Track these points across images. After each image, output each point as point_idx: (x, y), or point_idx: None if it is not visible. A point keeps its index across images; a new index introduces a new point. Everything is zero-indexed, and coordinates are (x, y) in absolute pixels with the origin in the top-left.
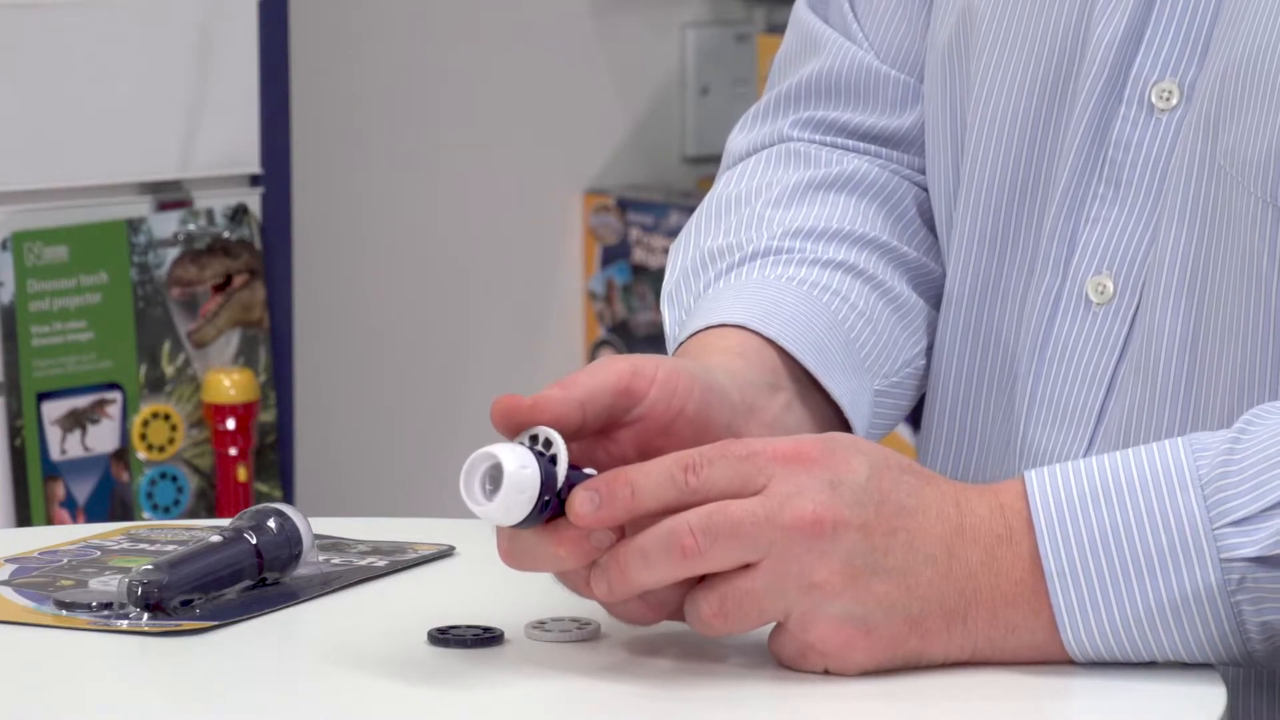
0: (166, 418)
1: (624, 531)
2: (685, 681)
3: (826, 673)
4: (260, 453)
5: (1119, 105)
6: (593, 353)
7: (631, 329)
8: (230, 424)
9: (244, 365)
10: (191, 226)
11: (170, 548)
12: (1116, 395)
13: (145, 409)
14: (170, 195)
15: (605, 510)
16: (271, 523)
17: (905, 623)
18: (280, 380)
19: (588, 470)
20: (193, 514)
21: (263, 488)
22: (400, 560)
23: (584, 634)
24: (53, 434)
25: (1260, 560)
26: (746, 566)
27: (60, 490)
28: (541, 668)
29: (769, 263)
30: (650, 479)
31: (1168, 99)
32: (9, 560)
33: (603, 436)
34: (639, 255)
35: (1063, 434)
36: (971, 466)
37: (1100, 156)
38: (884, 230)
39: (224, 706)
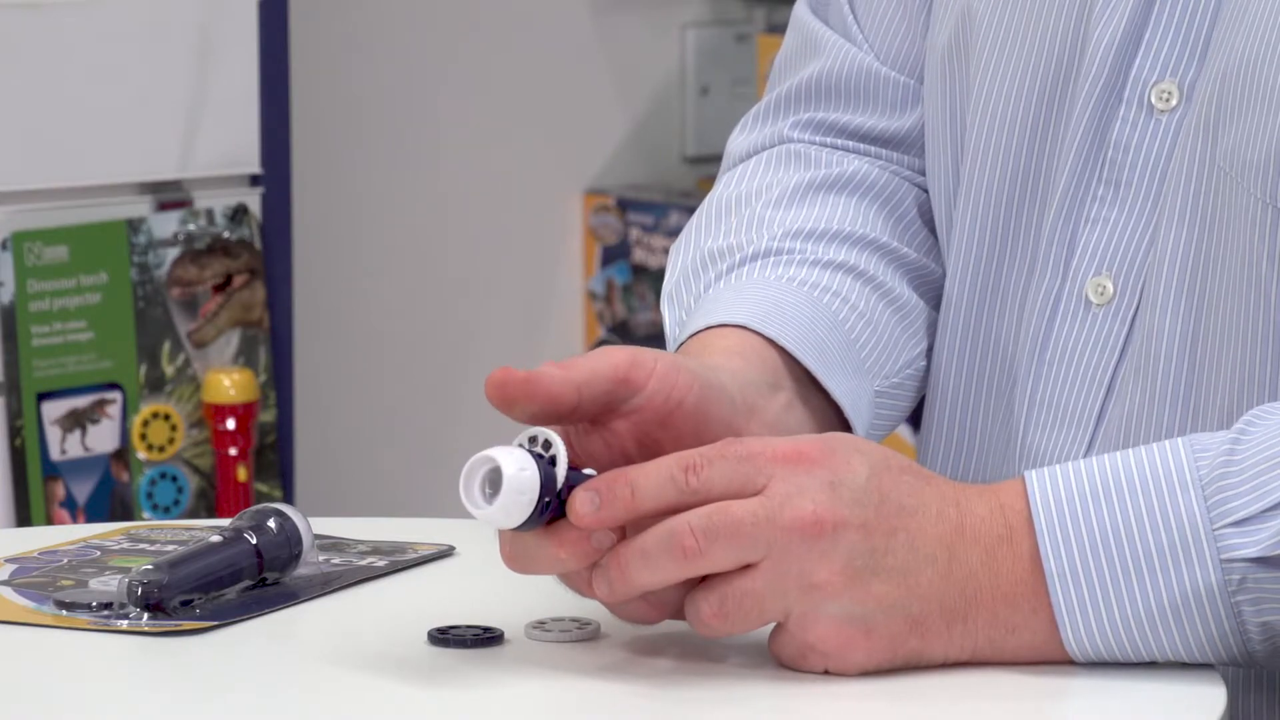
0: (166, 418)
1: (624, 532)
2: (685, 681)
3: (826, 673)
4: (260, 453)
5: (1118, 106)
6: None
7: (631, 329)
8: (230, 424)
9: (244, 365)
10: (191, 226)
11: (170, 548)
12: (1116, 396)
13: (145, 409)
14: (170, 195)
15: (606, 511)
16: (271, 523)
17: (905, 623)
18: (280, 380)
19: (587, 471)
20: (193, 514)
21: (263, 488)
22: (400, 560)
23: (584, 634)
24: (53, 434)
25: (1261, 561)
26: (747, 567)
27: (60, 490)
28: (541, 668)
29: (769, 263)
30: (650, 479)
31: (1167, 100)
32: (9, 560)
33: (600, 427)
34: (639, 255)
35: (1063, 435)
36: (971, 467)
37: (1100, 157)
38: (884, 231)
39: (224, 706)
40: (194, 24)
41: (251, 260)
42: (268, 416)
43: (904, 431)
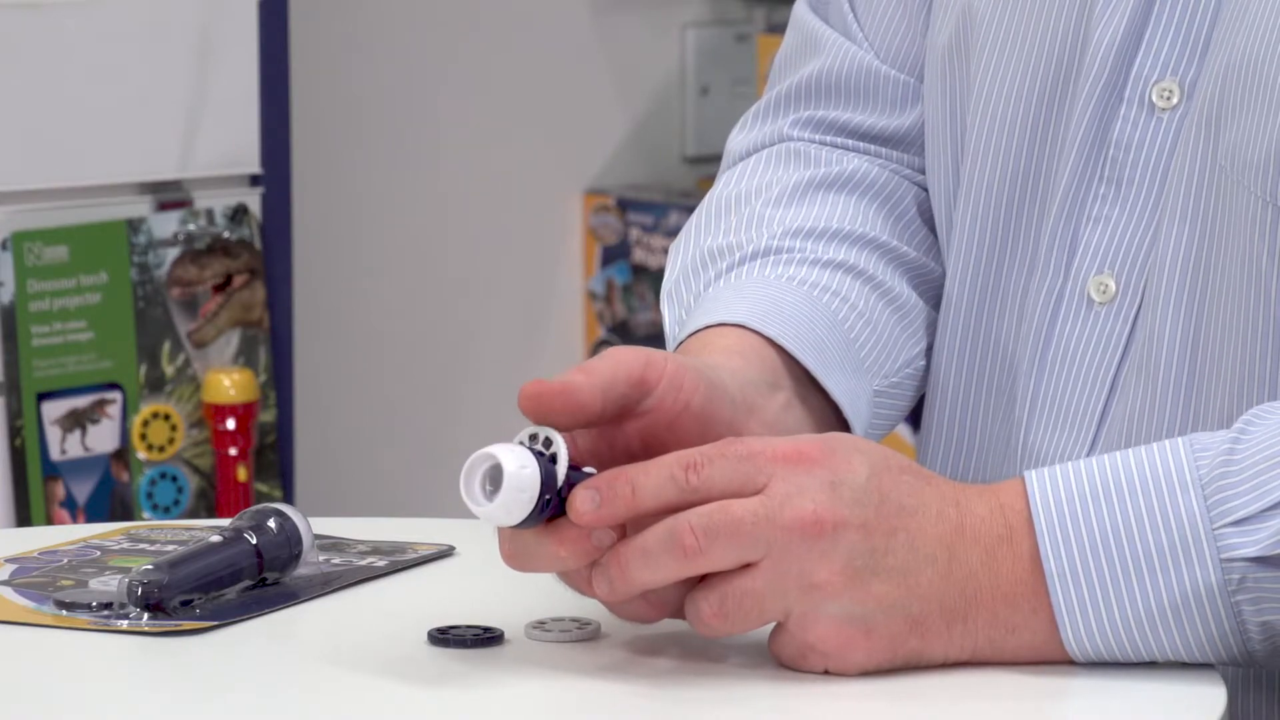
0: (166, 418)
1: (625, 531)
2: (685, 681)
3: (826, 673)
4: (260, 453)
5: (1119, 105)
6: (593, 353)
7: (631, 329)
8: (230, 424)
9: (244, 365)
10: (191, 226)
11: (170, 548)
12: (1119, 395)
13: (145, 409)
14: (170, 195)
15: (606, 509)
16: (271, 523)
17: (905, 623)
18: (280, 380)
19: (587, 469)
20: (193, 514)
21: (263, 488)
22: (400, 560)
23: (584, 634)
24: (53, 434)
25: (1260, 560)
26: (747, 566)
27: (60, 490)
28: (541, 668)
29: (769, 262)
30: (651, 478)
31: (1168, 98)
32: (9, 560)
33: (610, 427)
34: (639, 255)
35: (1065, 435)
36: (971, 468)
37: (1101, 156)
38: (884, 230)
39: (224, 706)
40: (194, 24)
41: (251, 260)
42: (268, 416)
43: (904, 431)
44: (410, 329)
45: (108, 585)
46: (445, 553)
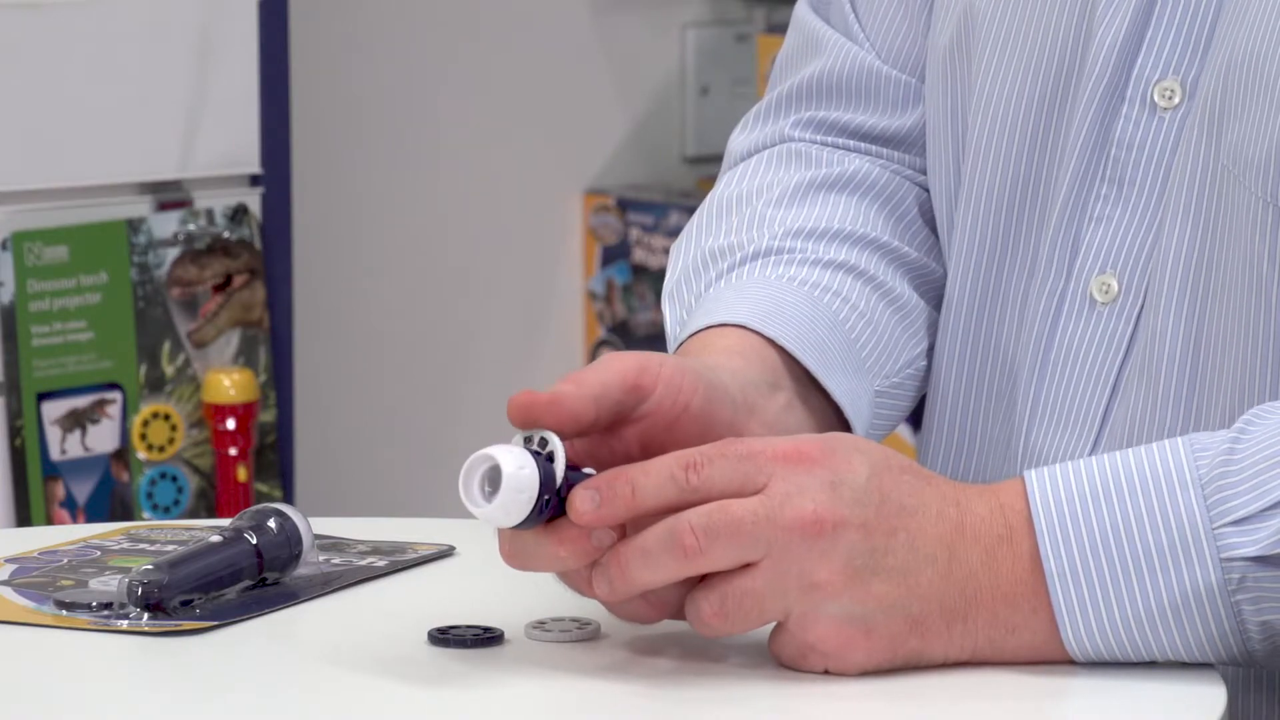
0: (166, 418)
1: (624, 531)
2: (685, 681)
3: (826, 673)
4: (260, 453)
5: (1121, 104)
6: (593, 353)
7: (631, 329)
8: (230, 424)
9: (244, 365)
10: (191, 226)
11: (170, 548)
12: (1121, 396)
13: (145, 409)
14: (170, 195)
15: (606, 509)
16: (271, 523)
17: (905, 623)
18: (280, 380)
19: (586, 470)
20: (193, 514)
21: (263, 488)
22: (400, 560)
23: (584, 634)
24: (53, 434)
25: (1260, 560)
26: (747, 566)
27: (60, 490)
28: (541, 668)
29: (770, 263)
30: (651, 478)
31: (1170, 98)
32: (9, 560)
33: (608, 433)
34: (639, 255)
35: (1067, 436)
36: (972, 468)
37: (1103, 156)
38: (885, 231)
39: (224, 706)
40: (194, 24)
41: (251, 260)
42: (268, 416)
43: (904, 432)
44: (410, 329)
45: (108, 585)
46: (445, 553)
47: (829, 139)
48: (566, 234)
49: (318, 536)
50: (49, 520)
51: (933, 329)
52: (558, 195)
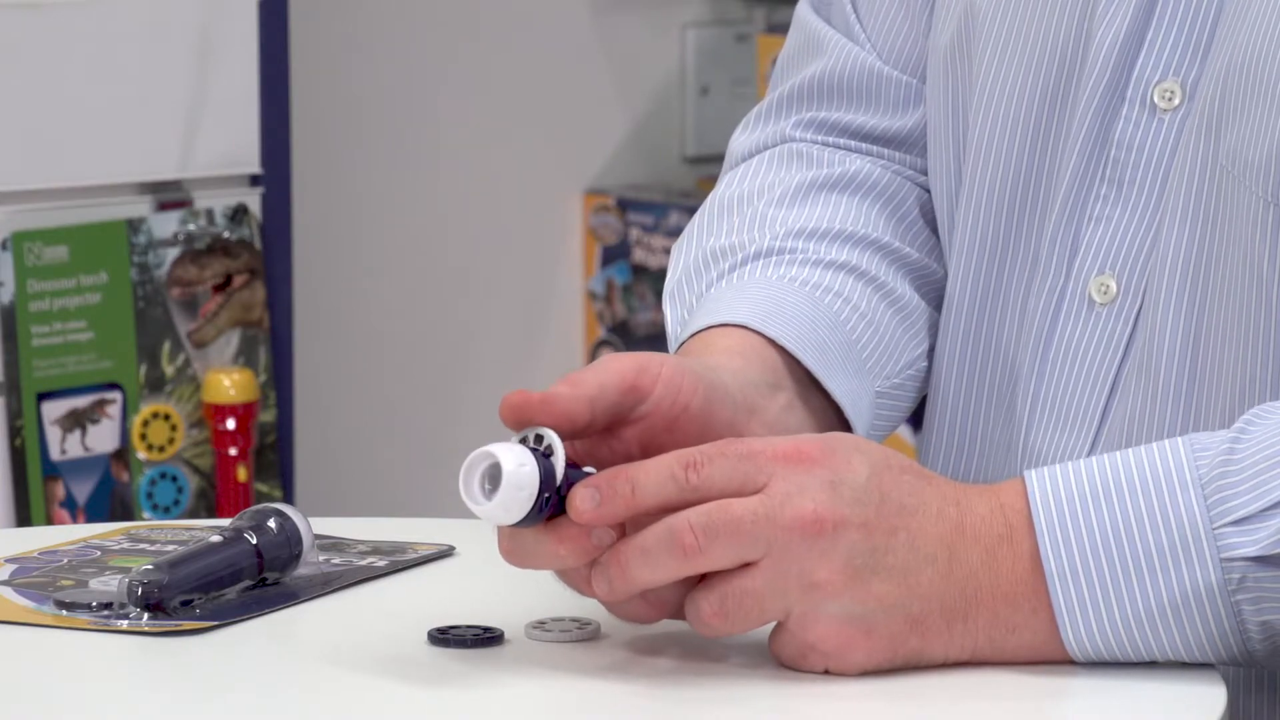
0: (166, 418)
1: (624, 530)
2: (685, 681)
3: (826, 673)
4: (260, 453)
5: (1121, 105)
6: (593, 353)
7: (631, 329)
8: (230, 424)
9: (244, 365)
10: (191, 226)
11: (170, 548)
12: (1119, 396)
13: (145, 409)
14: (170, 195)
15: (606, 507)
16: (271, 523)
17: (905, 622)
18: (280, 380)
19: (587, 469)
20: (193, 514)
21: (263, 488)
22: (400, 560)
23: (584, 634)
24: (53, 434)
25: (1260, 560)
26: (747, 565)
27: (60, 490)
28: (541, 668)
29: (771, 263)
30: (651, 477)
31: (1170, 99)
32: (9, 560)
33: (607, 434)
34: (639, 255)
35: (1066, 435)
36: (972, 468)
37: (1103, 156)
38: (886, 231)
39: (224, 706)
40: (194, 24)
41: (251, 260)
42: (268, 416)
43: (904, 432)
44: (410, 329)
45: (108, 585)
46: (445, 553)
47: (830, 139)
48: (566, 234)
49: (318, 536)
50: (49, 520)
51: (933, 329)
52: (558, 195)
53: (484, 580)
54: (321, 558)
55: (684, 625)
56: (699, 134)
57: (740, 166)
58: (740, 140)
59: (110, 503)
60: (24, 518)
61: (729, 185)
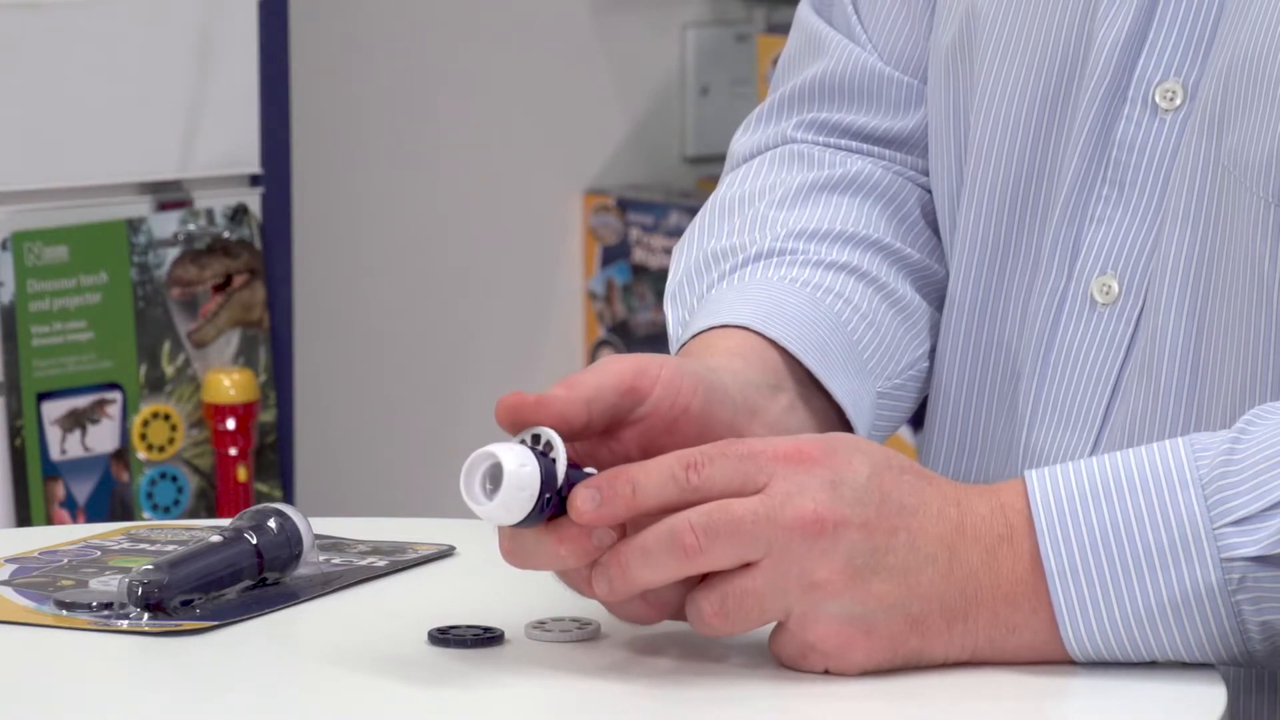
0: (166, 418)
1: (625, 531)
2: (685, 681)
3: (826, 672)
4: (260, 453)
5: (1123, 105)
6: (593, 353)
7: (631, 329)
8: (230, 424)
9: (244, 365)
10: (191, 226)
11: (170, 548)
12: (1121, 396)
13: (145, 409)
14: (170, 195)
15: (606, 508)
16: (271, 523)
17: (906, 622)
18: (280, 380)
19: (588, 469)
20: (193, 514)
21: (263, 488)
22: (400, 560)
23: (584, 634)
24: (53, 434)
25: (1261, 560)
26: (747, 565)
27: (60, 490)
28: (541, 668)
29: (772, 264)
30: (651, 477)
31: (1171, 99)
32: (9, 560)
33: (607, 436)
34: (639, 255)
35: (1068, 436)
36: (974, 468)
37: (1104, 157)
38: (887, 232)
39: (224, 706)
40: (194, 24)
41: (251, 260)
42: (268, 416)
43: (904, 432)
44: (410, 329)
45: (108, 585)
46: (445, 553)
47: (831, 140)
48: (566, 234)
49: (318, 536)
50: (49, 520)
51: (935, 330)
52: (558, 195)
53: (484, 580)
54: (321, 558)
55: (684, 625)
56: (699, 134)
57: (741, 168)
58: (741, 141)
59: (110, 503)
60: (24, 518)
61: (730, 186)
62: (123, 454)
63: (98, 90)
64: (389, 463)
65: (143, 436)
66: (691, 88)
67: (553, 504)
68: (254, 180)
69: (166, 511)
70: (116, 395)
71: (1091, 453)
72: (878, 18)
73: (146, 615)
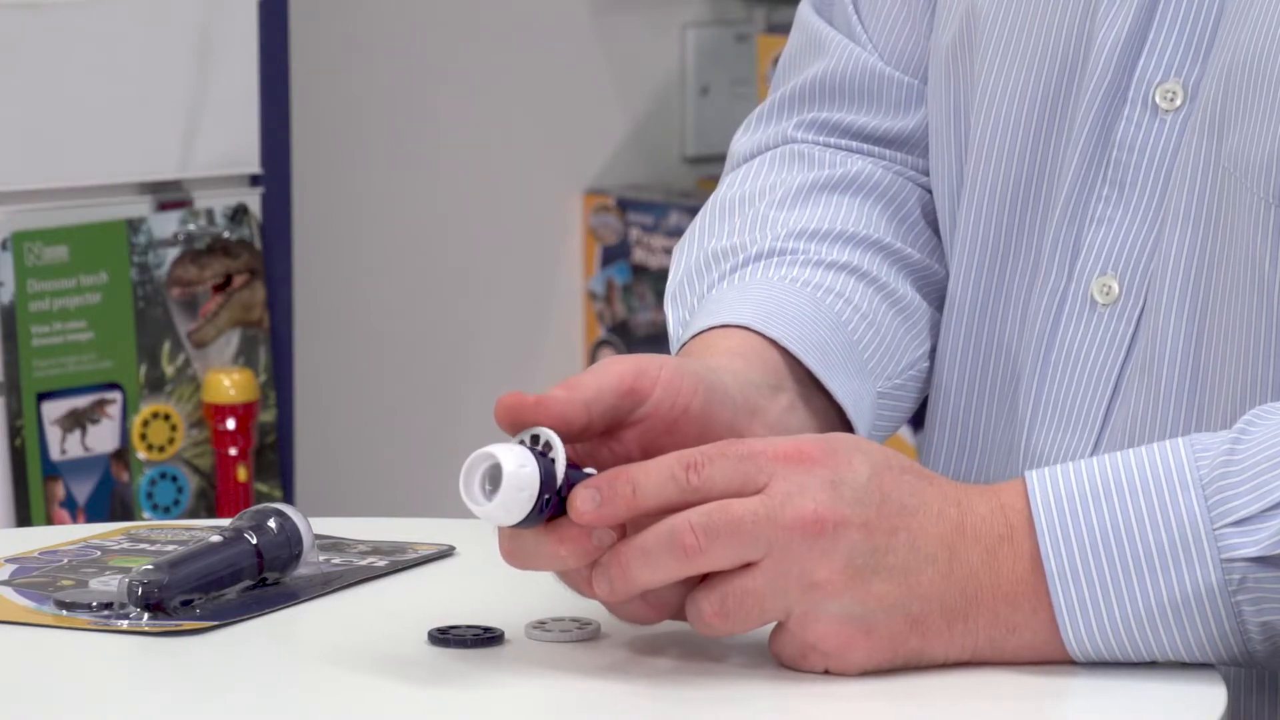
0: (166, 418)
1: (625, 531)
2: (685, 681)
3: (827, 672)
4: (260, 453)
5: (1123, 106)
6: (593, 353)
7: (631, 329)
8: (230, 424)
9: (244, 365)
10: (191, 226)
11: (170, 548)
12: (1122, 397)
13: (145, 409)
14: (170, 195)
15: (606, 508)
16: (271, 523)
17: (906, 622)
18: (280, 380)
19: (587, 470)
20: (193, 514)
21: (263, 488)
22: (400, 560)
23: (584, 634)
24: (53, 434)
25: (1261, 560)
26: (747, 566)
27: (60, 490)
28: (541, 668)
29: (772, 264)
30: (651, 477)
31: (1172, 99)
32: (9, 560)
33: (607, 436)
34: (639, 255)
35: (1068, 436)
36: (974, 469)
37: (1105, 157)
38: (887, 232)
39: (224, 706)
40: (194, 24)
41: (251, 260)
42: (268, 416)
43: (905, 432)
44: (410, 329)
45: (108, 585)
46: (445, 553)
47: (831, 140)
48: (566, 234)
49: (318, 536)
50: (49, 520)
51: (935, 330)
52: (558, 195)
53: (484, 580)
54: (321, 558)
55: (684, 625)
56: (699, 134)
57: (742, 168)
58: (742, 141)
59: (110, 503)
60: (24, 518)
61: (730, 186)
62: (123, 454)
63: (98, 90)
64: (389, 463)
65: (143, 436)
66: (691, 88)
67: (552, 504)
68: (254, 180)
69: (166, 511)
70: (116, 395)
71: (1092, 453)
72: (878, 17)
73: (146, 615)
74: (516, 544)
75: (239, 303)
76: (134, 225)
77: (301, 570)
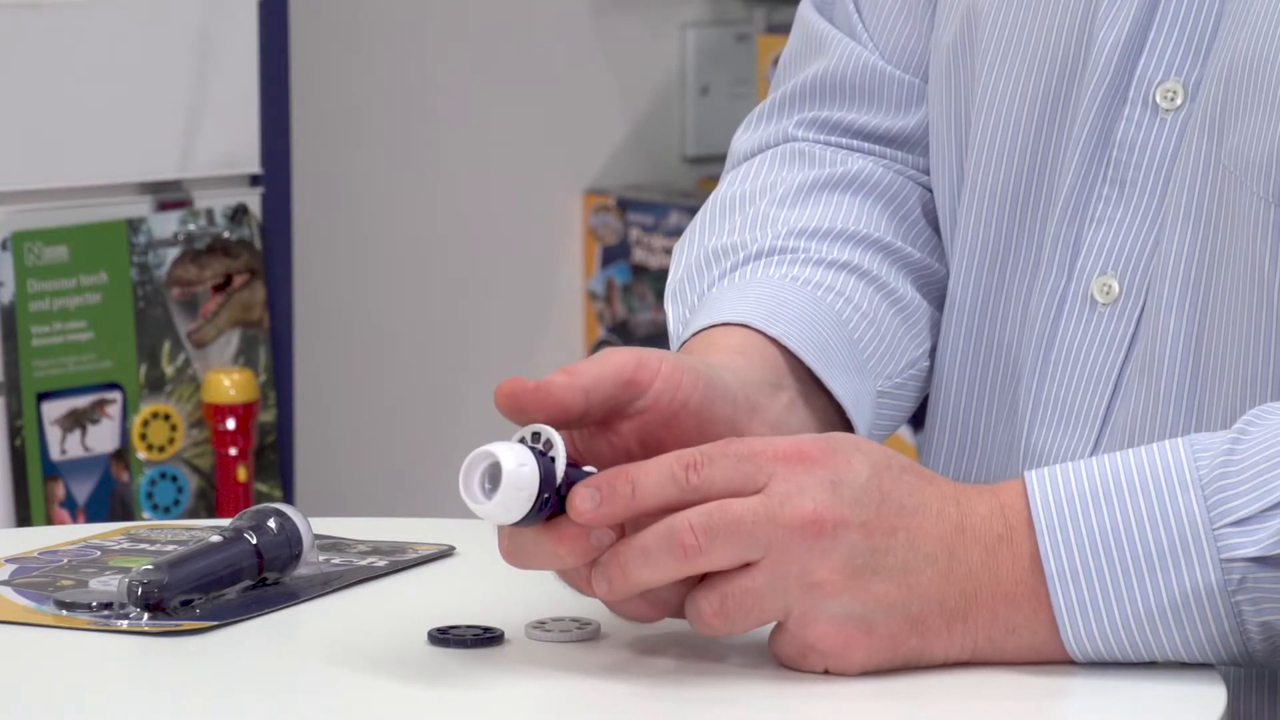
0: (166, 418)
1: (624, 530)
2: (685, 681)
3: (826, 672)
4: (260, 453)
5: (1123, 105)
6: (593, 353)
7: (631, 329)
8: (230, 424)
9: (244, 365)
10: (191, 226)
11: (170, 548)
12: (1122, 396)
13: (145, 409)
14: (170, 195)
15: (606, 507)
16: (271, 523)
17: (905, 622)
18: (280, 380)
19: (587, 468)
20: (193, 514)
21: (263, 488)
22: (400, 560)
23: (584, 634)
24: (53, 434)
25: (1260, 560)
26: (747, 565)
27: (60, 490)
28: (541, 668)
29: (773, 262)
30: (651, 477)
31: (1172, 99)
32: (9, 560)
33: (605, 428)
34: (639, 255)
35: (1068, 436)
36: (974, 468)
37: (1105, 157)
38: (888, 231)
39: (224, 706)
40: (194, 24)
41: (251, 260)
42: (268, 416)
43: (905, 432)
44: (410, 329)
45: (108, 585)
46: (445, 553)
47: (832, 139)
48: (566, 234)
49: (318, 536)
50: (49, 520)
51: (935, 329)
52: (558, 195)
53: (484, 580)
54: (321, 558)
55: (684, 625)
56: (699, 134)
57: (742, 166)
58: (742, 140)
59: (110, 503)
60: (24, 518)
61: (731, 184)
62: (123, 454)
63: (98, 90)
64: (389, 463)
65: (143, 436)
66: (691, 88)
67: (552, 503)
68: (254, 180)
69: (166, 511)
70: (116, 395)
71: (1092, 453)
72: (879, 16)
73: (146, 615)
74: (516, 543)
75: (239, 303)
76: (134, 225)
77: (301, 570)
